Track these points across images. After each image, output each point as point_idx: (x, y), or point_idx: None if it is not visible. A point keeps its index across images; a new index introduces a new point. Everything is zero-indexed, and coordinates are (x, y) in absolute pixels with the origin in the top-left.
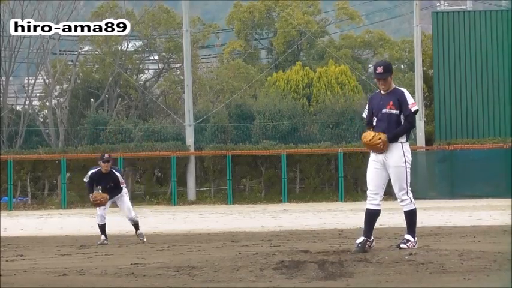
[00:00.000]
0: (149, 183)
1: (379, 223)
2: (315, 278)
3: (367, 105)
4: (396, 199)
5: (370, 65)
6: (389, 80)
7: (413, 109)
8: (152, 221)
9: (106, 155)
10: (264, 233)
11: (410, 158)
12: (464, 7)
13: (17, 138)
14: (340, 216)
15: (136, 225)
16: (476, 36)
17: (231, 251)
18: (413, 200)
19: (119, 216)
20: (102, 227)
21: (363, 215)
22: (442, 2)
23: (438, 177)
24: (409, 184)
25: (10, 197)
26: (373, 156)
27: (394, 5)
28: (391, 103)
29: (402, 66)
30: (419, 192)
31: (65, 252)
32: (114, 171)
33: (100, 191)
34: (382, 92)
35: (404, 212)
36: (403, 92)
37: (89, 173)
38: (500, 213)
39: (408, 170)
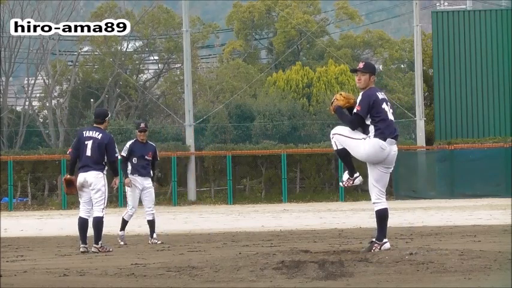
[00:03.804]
0: None
1: None
2: (315, 278)
3: None
4: (396, 199)
5: None
6: (365, 79)
7: (354, 111)
8: None
9: (142, 124)
10: (265, 233)
11: (370, 152)
12: (464, 7)
13: (17, 139)
14: (341, 216)
15: (153, 224)
16: (476, 36)
17: (231, 251)
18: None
19: (120, 217)
20: (126, 223)
21: (363, 214)
22: (442, 1)
23: (438, 177)
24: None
25: (10, 198)
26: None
27: (393, 5)
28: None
29: (402, 66)
30: (419, 192)
31: (65, 252)
32: (150, 142)
33: (135, 162)
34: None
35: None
36: (361, 93)
37: (128, 144)
38: (501, 212)
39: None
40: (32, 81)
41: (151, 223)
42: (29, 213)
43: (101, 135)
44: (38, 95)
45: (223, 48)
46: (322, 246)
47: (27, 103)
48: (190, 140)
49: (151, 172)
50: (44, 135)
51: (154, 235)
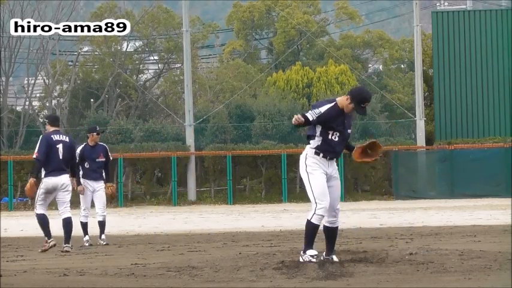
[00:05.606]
0: (149, 183)
1: (379, 223)
2: (315, 278)
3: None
4: (396, 199)
5: (370, 65)
6: None
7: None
8: (152, 221)
9: (98, 127)
10: (265, 233)
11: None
12: (464, 7)
13: (17, 139)
14: (340, 216)
15: (103, 225)
16: (476, 36)
17: (231, 251)
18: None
19: (120, 217)
20: (87, 225)
21: (363, 214)
22: (442, 1)
23: (438, 177)
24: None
25: (10, 198)
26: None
27: (394, 5)
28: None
29: (402, 66)
30: (419, 192)
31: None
32: (100, 143)
33: (88, 166)
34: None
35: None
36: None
37: (78, 150)
38: (501, 212)
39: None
40: (32, 81)
41: (102, 224)
42: (29, 213)
43: (67, 138)
44: (38, 95)
45: (223, 48)
46: (322, 246)
47: (27, 103)
48: (190, 140)
49: (103, 174)
50: None
51: (103, 236)
